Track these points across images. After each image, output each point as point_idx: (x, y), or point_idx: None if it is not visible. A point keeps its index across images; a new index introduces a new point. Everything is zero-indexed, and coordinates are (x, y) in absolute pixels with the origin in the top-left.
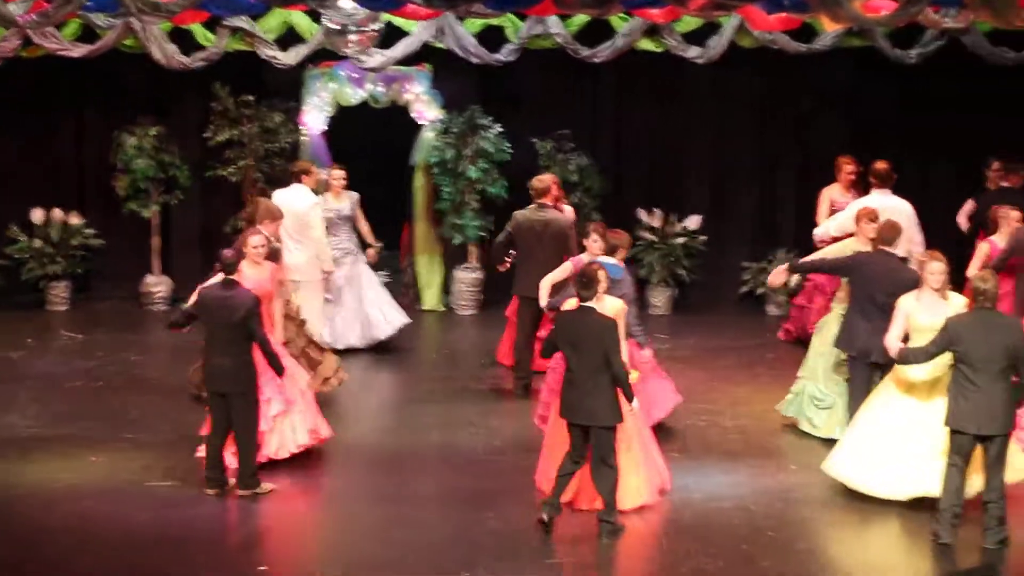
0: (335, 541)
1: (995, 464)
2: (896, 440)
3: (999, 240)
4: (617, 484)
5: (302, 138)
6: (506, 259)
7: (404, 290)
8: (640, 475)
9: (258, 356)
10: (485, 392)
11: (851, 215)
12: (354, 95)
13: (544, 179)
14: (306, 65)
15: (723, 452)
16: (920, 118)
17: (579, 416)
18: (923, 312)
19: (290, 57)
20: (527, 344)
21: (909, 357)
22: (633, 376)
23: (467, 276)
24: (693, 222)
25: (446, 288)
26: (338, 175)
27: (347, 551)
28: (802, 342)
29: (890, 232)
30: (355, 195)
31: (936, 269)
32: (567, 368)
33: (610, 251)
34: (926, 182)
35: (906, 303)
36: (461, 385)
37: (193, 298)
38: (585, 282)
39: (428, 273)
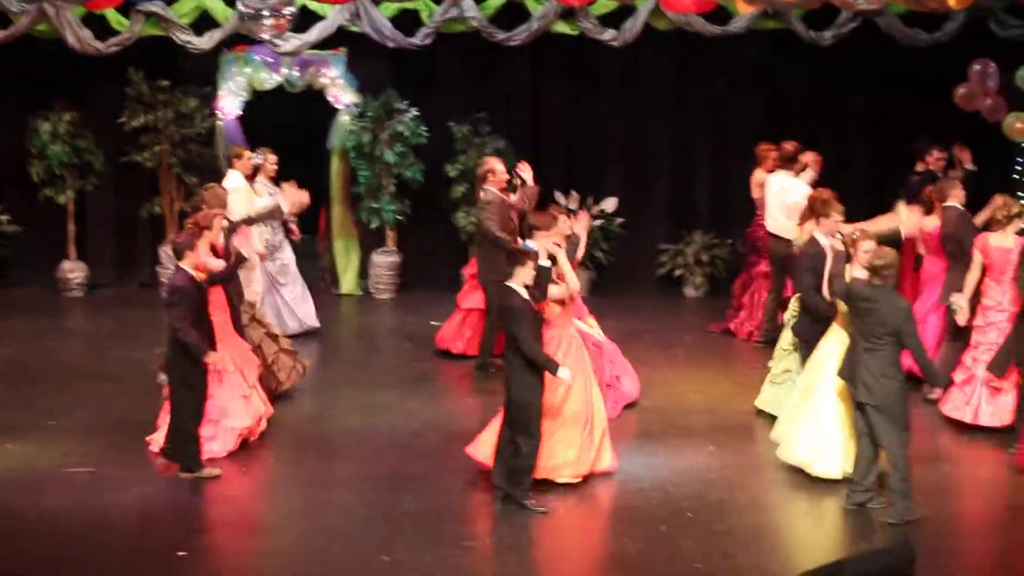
0: (256, 526)
1: (878, 437)
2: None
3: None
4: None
5: (217, 123)
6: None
7: (321, 274)
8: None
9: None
10: (403, 375)
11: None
12: (269, 79)
13: (484, 161)
14: (221, 50)
15: (642, 434)
16: (835, 99)
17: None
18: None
19: (205, 42)
20: (493, 328)
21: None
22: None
23: (384, 260)
24: (610, 204)
25: (363, 272)
26: (273, 159)
27: (268, 536)
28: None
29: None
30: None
31: (869, 247)
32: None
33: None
34: (841, 162)
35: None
36: (379, 369)
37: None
38: (511, 261)
39: (345, 257)
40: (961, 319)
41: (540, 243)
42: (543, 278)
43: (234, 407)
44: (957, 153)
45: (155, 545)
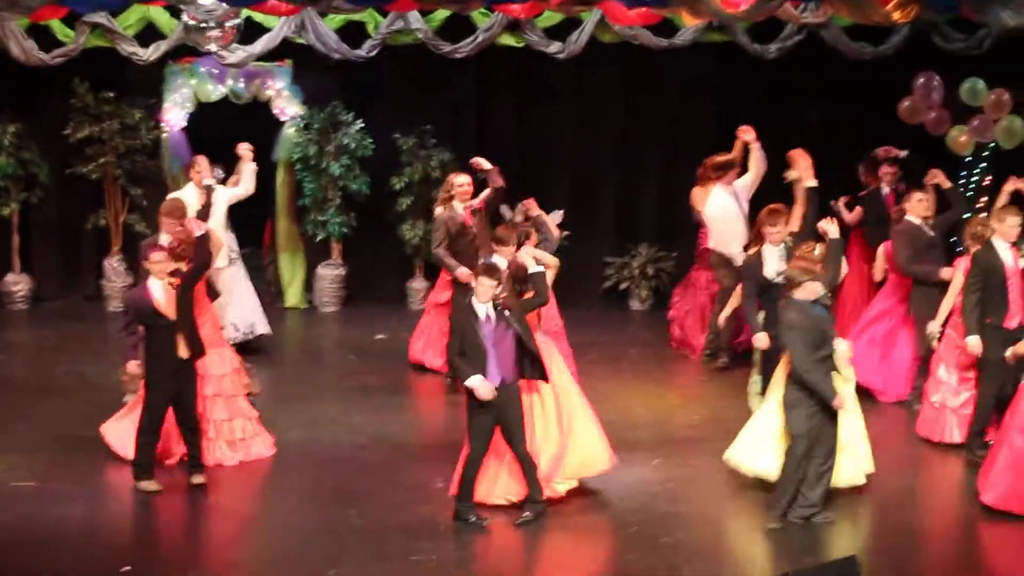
0: (201, 541)
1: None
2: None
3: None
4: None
5: (163, 135)
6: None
7: (266, 287)
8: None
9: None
10: (348, 389)
11: None
12: (215, 91)
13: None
14: (167, 61)
15: None
16: (782, 111)
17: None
18: None
19: (150, 53)
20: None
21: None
22: None
23: (329, 273)
24: (556, 217)
25: (308, 285)
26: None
27: (214, 551)
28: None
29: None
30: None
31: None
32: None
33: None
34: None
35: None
36: (324, 382)
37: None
38: (490, 272)
39: (290, 270)
40: (934, 344)
41: (503, 257)
42: (539, 284)
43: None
44: (930, 179)
45: (99, 559)
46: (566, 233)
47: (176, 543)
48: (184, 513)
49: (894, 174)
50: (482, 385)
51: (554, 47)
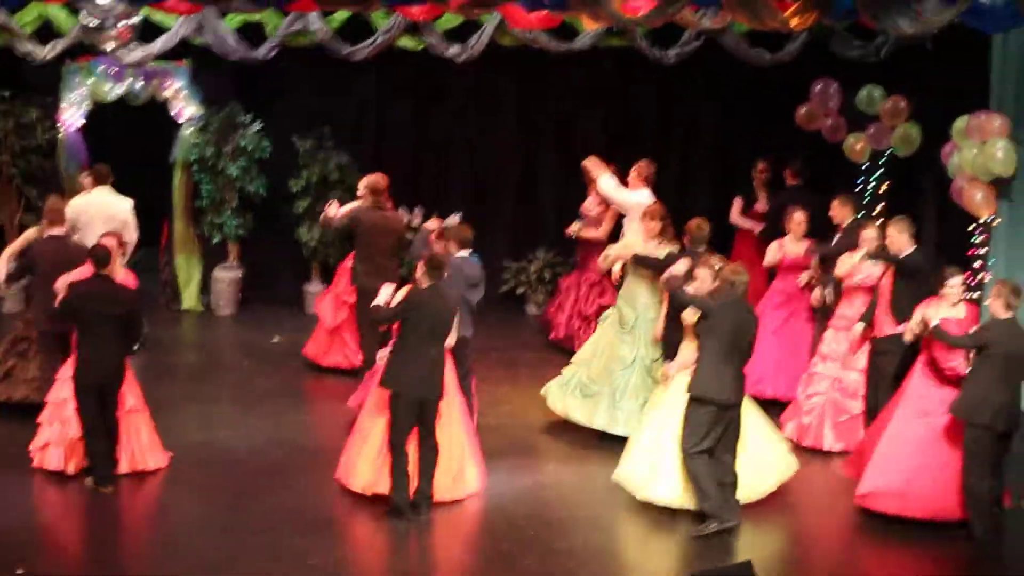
0: (96, 542)
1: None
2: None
3: (789, 243)
4: (437, 462)
5: (59, 135)
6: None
7: (162, 288)
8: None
9: None
10: (244, 392)
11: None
12: (112, 91)
13: (381, 179)
14: (64, 60)
15: (483, 451)
16: (680, 117)
17: (418, 390)
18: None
19: (47, 52)
20: (371, 333)
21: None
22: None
23: (226, 275)
24: (454, 220)
25: (205, 287)
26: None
27: (108, 552)
28: (559, 346)
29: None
30: None
31: (703, 275)
32: (405, 343)
33: (467, 245)
34: (687, 179)
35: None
36: (219, 385)
37: (63, 293)
38: (436, 265)
39: (186, 272)
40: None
41: None
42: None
43: None
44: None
45: None
46: None
47: (70, 544)
48: (78, 515)
49: (765, 170)
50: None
51: (453, 50)
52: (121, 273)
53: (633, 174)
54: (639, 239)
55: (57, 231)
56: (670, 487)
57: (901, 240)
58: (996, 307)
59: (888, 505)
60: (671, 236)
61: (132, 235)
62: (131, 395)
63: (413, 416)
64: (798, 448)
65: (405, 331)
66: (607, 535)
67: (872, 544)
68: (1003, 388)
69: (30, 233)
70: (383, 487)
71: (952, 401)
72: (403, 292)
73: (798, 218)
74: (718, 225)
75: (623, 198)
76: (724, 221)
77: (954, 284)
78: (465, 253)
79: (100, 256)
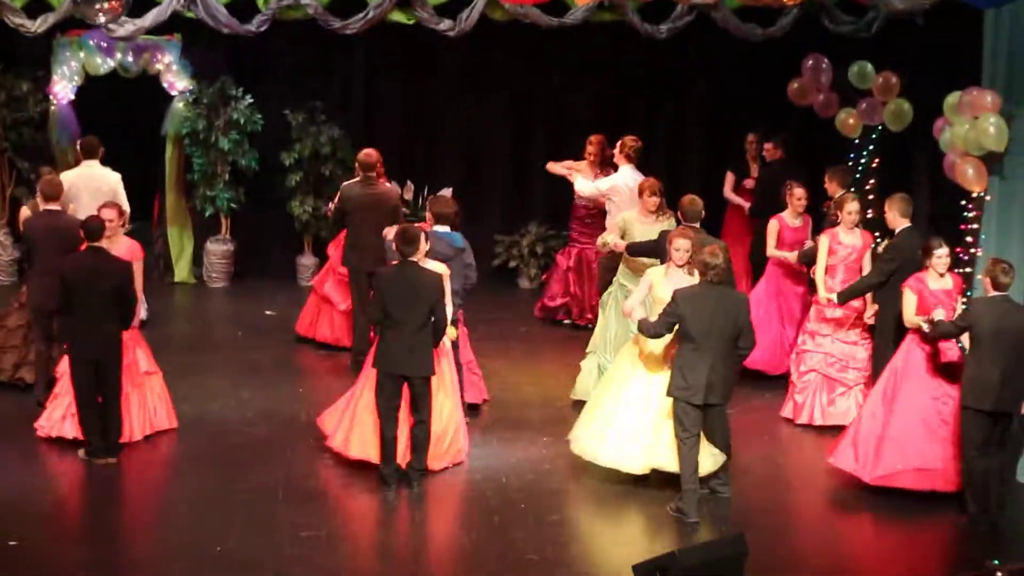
0: (89, 515)
1: (715, 433)
2: (632, 413)
3: (788, 217)
4: (431, 436)
5: (51, 108)
6: None
7: (155, 262)
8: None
9: None
10: (237, 364)
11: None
12: (103, 65)
13: (371, 153)
14: (55, 34)
15: (476, 425)
16: (672, 93)
17: (403, 367)
18: (667, 286)
19: (38, 25)
20: (363, 313)
21: (643, 327)
22: (451, 333)
23: (218, 248)
24: (445, 194)
25: (197, 260)
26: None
27: (101, 524)
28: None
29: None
30: None
31: (681, 246)
32: (386, 321)
33: (443, 221)
34: (678, 154)
35: (653, 273)
36: (212, 357)
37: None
38: (408, 239)
39: (179, 245)
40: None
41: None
42: None
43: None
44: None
45: None
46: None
47: (63, 516)
48: (71, 488)
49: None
50: None
51: (445, 24)
52: (125, 243)
53: (616, 151)
54: (634, 215)
55: (53, 206)
56: (625, 454)
57: (892, 219)
58: (985, 284)
59: (906, 481)
60: (666, 211)
61: (123, 207)
62: (144, 359)
63: (398, 392)
64: (793, 425)
65: (386, 309)
66: (600, 509)
67: (866, 519)
68: (993, 366)
69: (25, 211)
70: (374, 455)
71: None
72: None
73: (799, 193)
74: (709, 200)
75: (604, 189)
76: (715, 196)
77: (941, 255)
78: (442, 229)
79: (93, 229)
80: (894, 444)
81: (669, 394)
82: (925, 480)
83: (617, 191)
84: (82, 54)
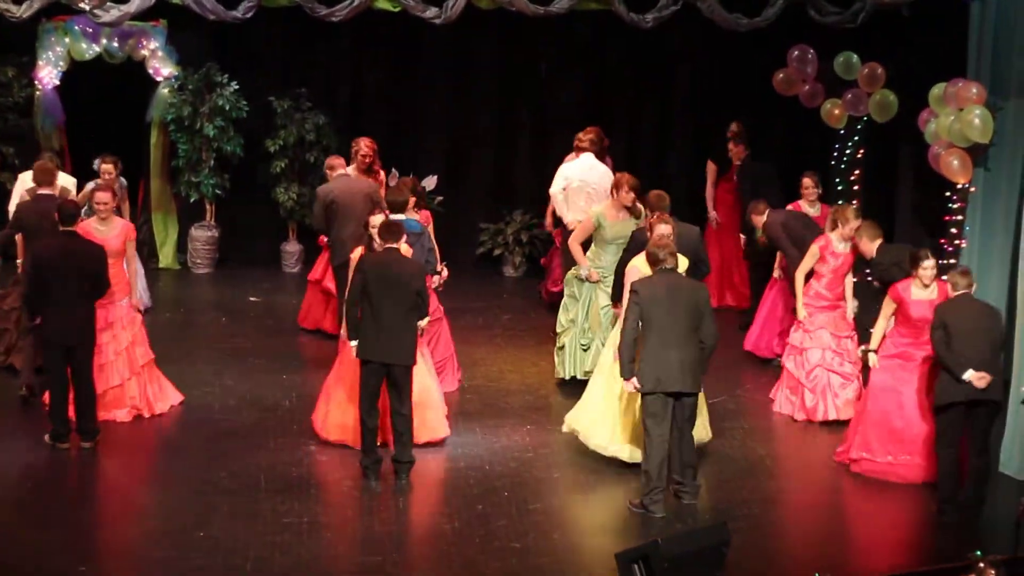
0: (67, 499)
1: (684, 421)
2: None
3: (805, 206)
4: (412, 424)
5: (36, 93)
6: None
7: (139, 247)
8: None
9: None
10: (220, 351)
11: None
12: (89, 50)
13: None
14: (40, 19)
15: (460, 413)
16: (657, 82)
17: (388, 355)
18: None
19: (23, 11)
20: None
21: (620, 345)
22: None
23: (203, 234)
24: (430, 182)
25: (181, 246)
26: None
27: (80, 510)
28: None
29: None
30: None
31: (664, 231)
32: (366, 310)
33: (397, 209)
34: (662, 143)
35: (637, 262)
36: (195, 344)
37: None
38: (394, 230)
39: (163, 231)
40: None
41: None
42: None
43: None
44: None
45: None
46: (439, 198)
47: (42, 501)
48: (52, 474)
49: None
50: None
51: (430, 12)
52: (119, 224)
53: (577, 140)
54: (603, 210)
55: (46, 191)
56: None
57: (866, 247)
58: (947, 291)
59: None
60: (637, 209)
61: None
62: (140, 348)
63: (379, 381)
64: (811, 424)
65: (366, 297)
66: (583, 497)
67: (848, 510)
68: (967, 362)
69: (25, 196)
70: (351, 440)
71: None
72: (355, 255)
73: (806, 183)
74: (692, 188)
75: (562, 183)
76: (699, 185)
77: (927, 266)
78: (398, 217)
79: (67, 212)
80: (879, 432)
81: (641, 390)
82: (910, 472)
83: (568, 180)
84: (67, 39)
